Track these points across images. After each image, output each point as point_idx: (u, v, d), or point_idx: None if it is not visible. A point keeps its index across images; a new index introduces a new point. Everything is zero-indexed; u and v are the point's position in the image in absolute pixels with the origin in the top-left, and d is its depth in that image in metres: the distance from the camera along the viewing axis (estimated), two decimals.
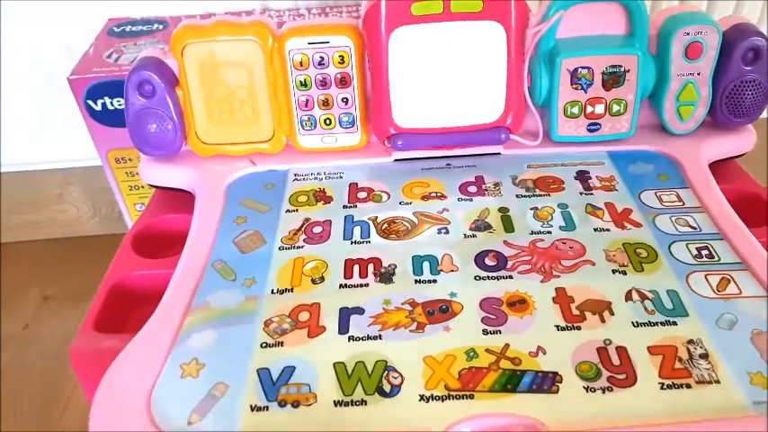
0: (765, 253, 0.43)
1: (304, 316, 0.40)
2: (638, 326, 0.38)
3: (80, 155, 0.88)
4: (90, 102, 0.67)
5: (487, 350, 0.37)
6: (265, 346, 0.38)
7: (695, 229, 0.45)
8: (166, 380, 0.37)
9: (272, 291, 0.42)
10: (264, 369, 0.37)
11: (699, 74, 0.52)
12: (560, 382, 0.35)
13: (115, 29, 0.74)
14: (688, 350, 0.36)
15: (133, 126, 0.53)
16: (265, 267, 0.44)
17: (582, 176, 0.51)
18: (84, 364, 0.41)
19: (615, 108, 0.53)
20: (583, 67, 0.51)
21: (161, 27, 0.74)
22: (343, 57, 0.51)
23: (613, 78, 0.52)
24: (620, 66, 0.52)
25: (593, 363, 0.36)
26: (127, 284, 0.47)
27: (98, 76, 0.66)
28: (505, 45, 0.50)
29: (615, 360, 0.36)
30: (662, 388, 0.34)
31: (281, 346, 0.38)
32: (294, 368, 0.37)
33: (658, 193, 0.49)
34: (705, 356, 0.36)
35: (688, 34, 0.51)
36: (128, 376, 0.37)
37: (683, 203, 0.48)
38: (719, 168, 0.53)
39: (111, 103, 0.67)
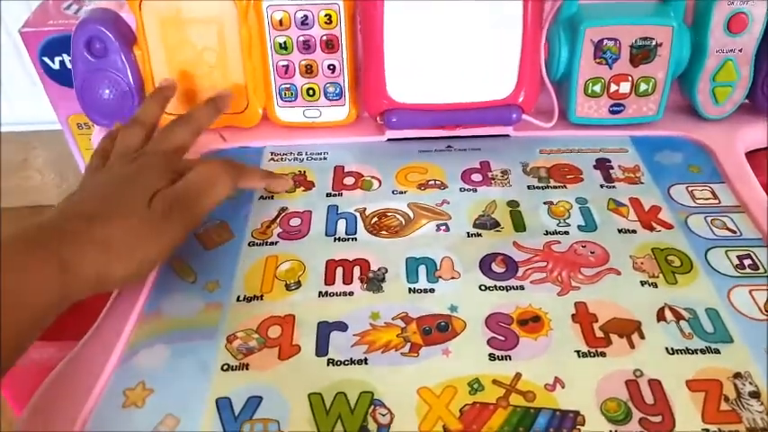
0: None
1: (275, 331, 0.33)
2: (673, 353, 0.32)
3: (47, 117, 0.81)
4: (46, 59, 0.60)
5: (495, 381, 0.31)
6: (227, 369, 0.32)
7: (734, 232, 0.39)
8: (105, 410, 0.30)
9: (239, 297, 0.36)
10: (225, 399, 0.30)
11: (740, 50, 0.46)
12: (582, 424, 0.29)
13: None
14: (735, 386, 0.30)
15: (82, 91, 0.46)
16: (231, 268, 0.37)
17: (602, 165, 0.45)
18: (14, 380, 0.35)
19: (643, 87, 0.46)
20: (609, 39, 0.45)
21: None
22: (330, 16, 0.44)
23: (643, 53, 0.45)
24: (652, 38, 0.45)
25: (622, 400, 0.30)
26: None
27: (55, 30, 0.59)
28: (521, 9, 0.43)
29: (648, 397, 0.30)
30: None
31: (246, 369, 0.32)
32: (261, 399, 0.30)
33: (690, 188, 0.43)
34: (756, 395, 0.30)
35: (732, 3, 0.44)
36: (59, 403, 0.31)
37: (719, 201, 0.42)
38: (753, 158, 0.47)
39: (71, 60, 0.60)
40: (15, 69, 0.79)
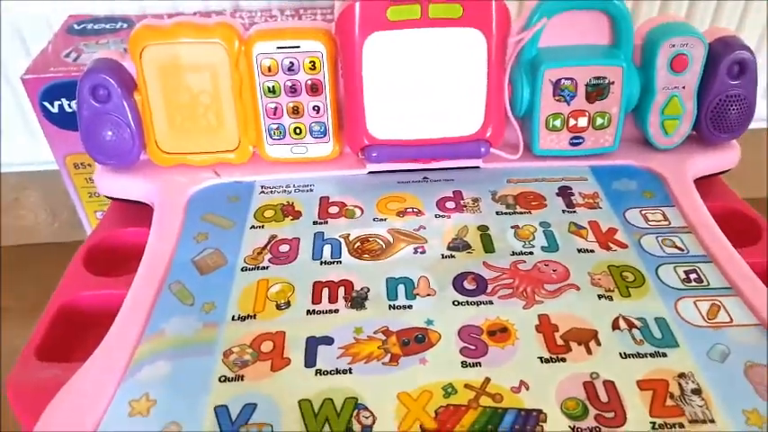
0: (755, 277, 0.41)
1: (267, 346, 0.37)
2: (626, 357, 0.36)
3: (40, 157, 0.84)
4: (46, 103, 0.63)
5: (466, 385, 0.34)
6: (224, 380, 0.35)
7: (682, 250, 0.43)
8: (113, 419, 0.33)
9: (233, 317, 0.39)
10: (222, 407, 0.33)
11: (684, 87, 0.50)
12: (544, 421, 0.32)
13: (75, 26, 0.70)
14: (679, 385, 0.34)
15: (87, 133, 0.49)
16: (226, 290, 0.40)
17: (564, 192, 0.49)
18: (23, 398, 0.37)
19: (599, 121, 0.51)
20: (566, 79, 0.49)
21: (125, 26, 0.70)
22: (314, 62, 0.48)
23: (597, 90, 0.50)
24: (605, 77, 0.49)
25: (580, 399, 0.33)
26: (77, 305, 0.44)
27: (55, 77, 0.62)
28: (486, 53, 0.47)
29: (603, 396, 0.34)
30: (653, 428, 0.32)
31: (242, 380, 0.35)
32: (255, 405, 0.33)
33: (643, 212, 0.47)
34: (698, 392, 0.34)
35: (674, 46, 0.49)
36: (70, 414, 0.34)
37: (669, 223, 0.46)
38: (702, 184, 0.52)
39: (69, 104, 0.63)
40: (10, 113, 0.81)
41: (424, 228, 0.46)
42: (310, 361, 0.36)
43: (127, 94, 0.48)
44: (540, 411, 0.33)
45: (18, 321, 0.81)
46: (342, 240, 0.44)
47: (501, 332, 0.37)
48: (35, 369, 0.38)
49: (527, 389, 0.34)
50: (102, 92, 0.48)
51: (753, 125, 0.87)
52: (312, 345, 0.37)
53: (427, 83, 0.48)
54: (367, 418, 0.33)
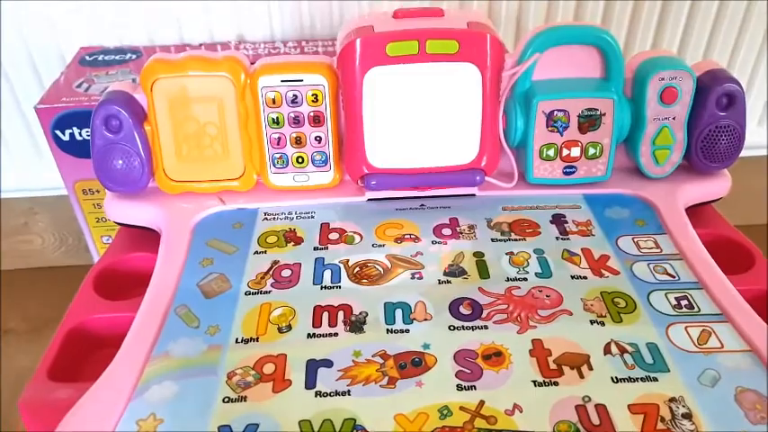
0: (746, 304, 0.42)
1: (269, 368, 0.38)
2: (617, 381, 0.37)
3: (49, 183, 0.86)
4: (57, 132, 0.65)
5: (462, 408, 0.35)
6: (228, 401, 0.36)
7: (673, 277, 0.45)
8: None
9: (237, 340, 0.40)
10: (226, 426, 0.34)
11: (674, 118, 0.52)
12: None
13: (87, 57, 0.73)
14: (670, 409, 0.35)
15: (99, 161, 0.51)
16: (230, 314, 0.42)
17: (558, 220, 0.50)
18: (36, 417, 0.38)
19: (591, 151, 0.52)
20: (559, 110, 0.51)
21: (134, 56, 0.73)
22: (316, 95, 0.50)
23: (589, 121, 0.51)
24: (596, 109, 0.51)
25: (572, 422, 0.34)
26: (86, 327, 0.45)
27: (67, 106, 0.64)
28: (481, 86, 0.49)
29: (595, 419, 0.34)
30: None
31: (245, 401, 0.36)
32: (257, 426, 0.34)
33: (635, 239, 0.48)
34: (688, 416, 0.35)
35: (663, 79, 0.51)
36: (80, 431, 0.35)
37: (661, 250, 0.47)
38: (694, 212, 0.53)
39: (80, 133, 0.65)
40: (20, 139, 0.83)
41: (422, 254, 0.47)
42: (310, 383, 0.37)
43: (137, 125, 0.50)
44: None
45: (21, 342, 0.82)
46: (341, 266, 0.46)
47: (495, 356, 0.38)
48: (47, 389, 0.39)
49: (521, 412, 0.35)
50: (114, 122, 0.50)
51: (752, 153, 0.90)
52: (312, 367, 0.38)
53: (424, 114, 0.50)
54: None
